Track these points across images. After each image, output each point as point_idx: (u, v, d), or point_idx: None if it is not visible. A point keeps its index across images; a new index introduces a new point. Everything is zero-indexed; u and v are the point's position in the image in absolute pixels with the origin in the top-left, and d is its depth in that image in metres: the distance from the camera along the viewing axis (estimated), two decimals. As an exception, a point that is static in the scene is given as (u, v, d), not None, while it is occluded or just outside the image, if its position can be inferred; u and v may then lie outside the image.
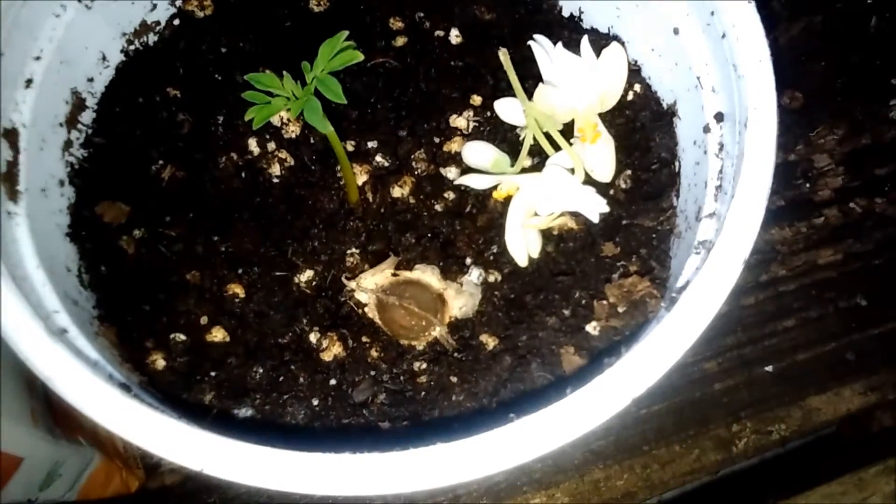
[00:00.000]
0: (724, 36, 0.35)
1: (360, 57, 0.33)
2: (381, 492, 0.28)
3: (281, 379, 0.38)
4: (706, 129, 0.37)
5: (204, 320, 0.39)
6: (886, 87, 0.73)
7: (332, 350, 0.39)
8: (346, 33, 0.34)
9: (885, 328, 0.65)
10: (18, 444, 0.42)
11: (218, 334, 0.39)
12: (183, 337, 0.38)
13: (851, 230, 0.70)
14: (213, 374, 0.38)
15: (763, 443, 0.60)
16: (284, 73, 0.34)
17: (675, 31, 0.39)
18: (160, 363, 0.37)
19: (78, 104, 0.40)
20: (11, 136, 0.35)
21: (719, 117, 0.37)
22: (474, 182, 0.41)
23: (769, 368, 0.66)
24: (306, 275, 0.41)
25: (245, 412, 0.37)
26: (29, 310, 0.30)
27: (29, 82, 0.37)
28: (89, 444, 0.51)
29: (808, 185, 0.73)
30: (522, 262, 0.41)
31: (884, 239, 0.68)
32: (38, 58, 0.37)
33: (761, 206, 0.31)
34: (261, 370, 0.38)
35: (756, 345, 0.68)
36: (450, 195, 0.43)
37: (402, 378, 0.39)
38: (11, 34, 0.35)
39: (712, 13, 0.35)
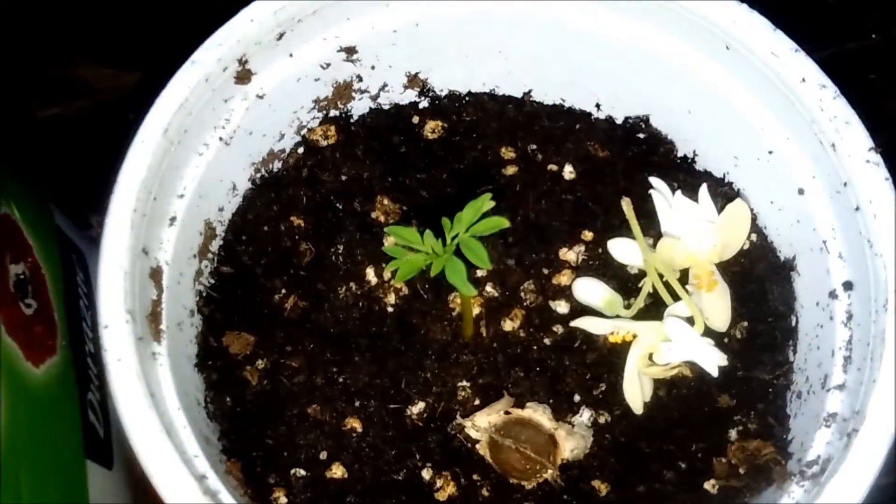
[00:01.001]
0: (857, 209, 0.35)
1: (506, 224, 0.34)
2: None
3: (398, 517, 0.38)
4: (833, 295, 0.37)
5: (323, 455, 0.40)
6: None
7: (447, 490, 0.40)
8: (489, 195, 0.35)
9: None
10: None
11: (337, 471, 0.39)
12: (303, 472, 0.39)
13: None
14: (333, 512, 0.38)
15: None
16: (427, 231, 0.35)
17: (800, 192, 0.39)
18: (283, 500, 0.38)
19: (210, 234, 0.41)
20: (156, 275, 0.37)
21: (848, 286, 0.37)
22: (591, 326, 0.42)
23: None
24: (418, 406, 0.42)
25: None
26: (179, 459, 0.31)
27: (172, 220, 0.38)
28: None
29: None
30: (638, 409, 0.41)
31: None
32: (181, 195, 0.39)
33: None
34: (379, 509, 0.38)
35: None
36: (559, 329, 0.44)
37: (512, 521, 0.40)
38: (163, 182, 0.36)
39: (845, 184, 0.36)
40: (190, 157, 0.39)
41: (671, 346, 0.40)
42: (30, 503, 0.33)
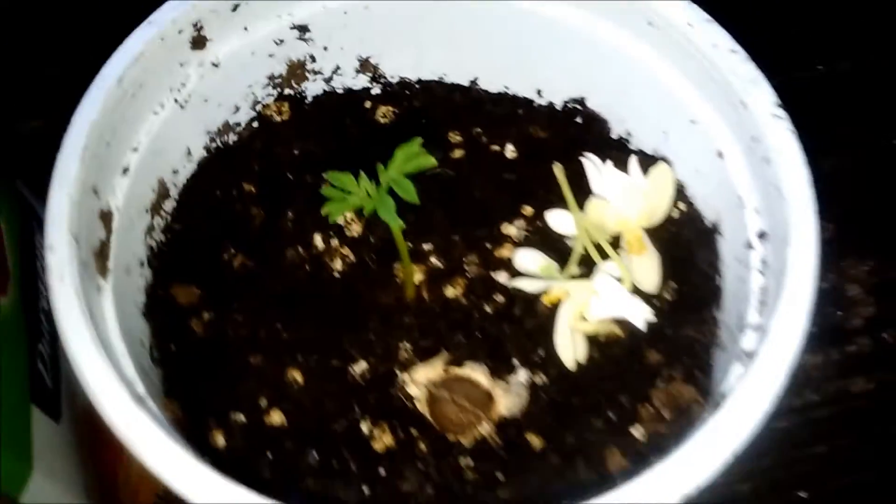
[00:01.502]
0: (767, 160, 0.38)
1: (434, 162, 0.37)
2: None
3: (334, 465, 0.39)
4: (749, 246, 0.39)
5: (263, 403, 0.41)
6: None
7: (384, 441, 0.41)
8: (420, 140, 0.37)
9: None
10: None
11: (276, 417, 0.40)
12: (243, 418, 0.40)
13: (884, 360, 0.71)
14: (269, 455, 0.39)
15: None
16: (361, 172, 0.37)
17: (720, 155, 0.42)
18: (220, 441, 0.39)
19: (162, 193, 0.43)
20: (106, 217, 0.39)
21: (762, 235, 0.39)
22: (527, 285, 0.43)
23: (803, 494, 0.66)
24: (360, 366, 0.43)
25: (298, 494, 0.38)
26: (115, 374, 0.32)
27: (125, 170, 0.40)
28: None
29: (839, 312, 0.74)
30: (570, 364, 0.42)
31: (918, 370, 0.68)
32: (135, 149, 0.41)
33: (805, 316, 0.33)
34: (315, 455, 0.39)
35: (789, 469, 0.68)
36: (500, 298, 0.45)
37: (449, 472, 0.40)
38: (118, 128, 0.38)
39: (755, 139, 0.38)
40: (145, 114, 0.41)
41: (601, 301, 0.42)
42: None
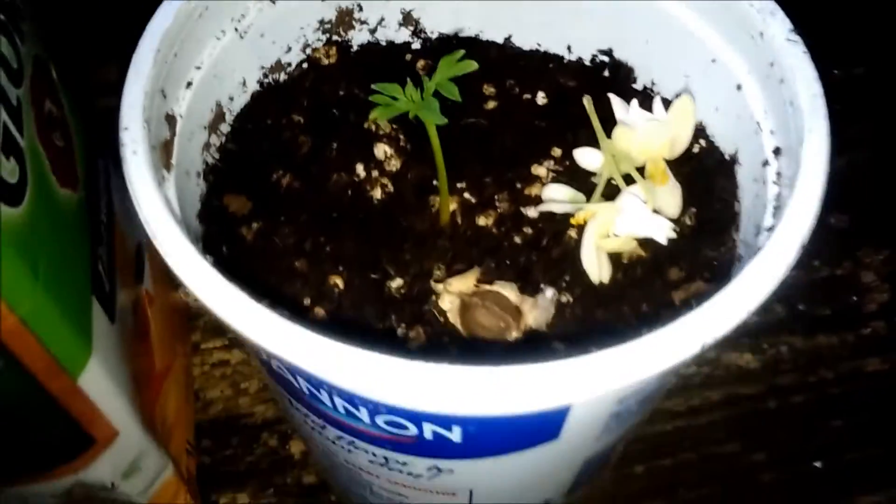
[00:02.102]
0: (782, 81, 0.41)
1: (475, 66, 0.40)
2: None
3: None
4: (765, 164, 0.42)
5: (307, 301, 0.43)
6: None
7: (419, 340, 0.43)
8: (462, 51, 0.41)
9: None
10: (119, 416, 0.46)
11: (319, 313, 0.43)
12: (287, 314, 0.43)
13: (899, 343, 0.72)
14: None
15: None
16: (408, 80, 0.41)
17: (738, 88, 0.45)
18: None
19: (219, 114, 0.47)
20: (171, 120, 0.42)
21: (777, 152, 0.42)
22: (555, 207, 0.46)
23: (818, 464, 0.68)
24: (396, 282, 0.46)
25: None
26: (183, 233, 0.35)
27: (189, 84, 0.44)
28: (165, 452, 0.53)
29: (854, 297, 0.77)
30: (596, 278, 0.45)
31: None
32: (198, 67, 0.44)
33: (817, 200, 0.35)
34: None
35: (805, 441, 0.70)
36: (528, 230, 0.48)
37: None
38: (185, 43, 0.42)
39: (772, 64, 0.42)
40: (209, 37, 0.45)
41: (624, 219, 0.44)
42: (44, 281, 0.36)
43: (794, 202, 0.35)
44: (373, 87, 0.42)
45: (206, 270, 0.34)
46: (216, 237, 0.44)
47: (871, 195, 0.79)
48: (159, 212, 0.35)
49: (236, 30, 0.47)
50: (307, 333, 0.33)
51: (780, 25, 0.42)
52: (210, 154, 0.46)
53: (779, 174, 0.41)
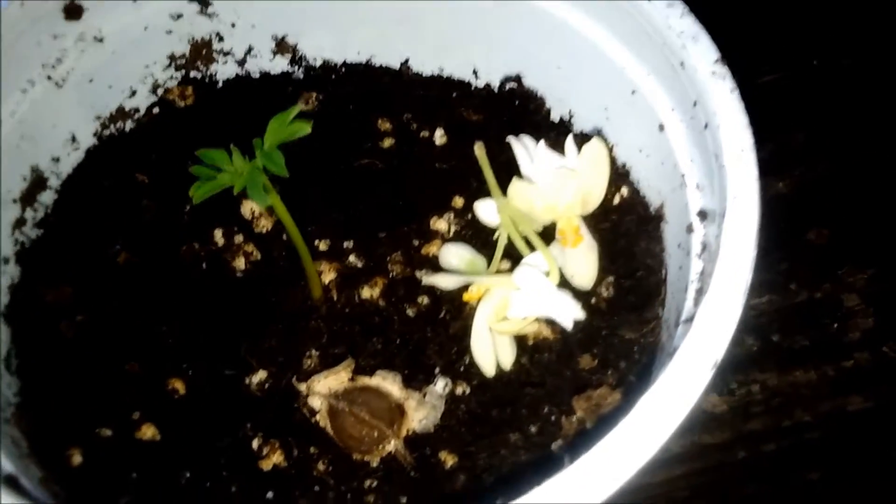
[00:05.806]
0: (706, 126, 0.32)
1: (308, 129, 0.31)
2: None
3: (209, 485, 0.34)
4: (689, 230, 0.34)
5: (136, 415, 0.36)
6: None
7: (272, 459, 0.35)
8: (299, 107, 0.32)
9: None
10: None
11: (148, 432, 0.35)
12: (109, 432, 0.35)
13: (884, 376, 0.64)
14: (134, 475, 0.34)
15: None
16: (233, 147, 0.32)
17: (661, 128, 0.37)
18: (77, 459, 0.34)
19: (37, 182, 0.39)
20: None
21: (702, 215, 0.34)
22: (441, 281, 0.38)
23: (794, 526, 0.60)
24: (259, 375, 0.38)
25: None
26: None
27: (-18, 153, 0.36)
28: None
29: (835, 325, 0.68)
30: (489, 370, 0.37)
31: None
32: (-6, 130, 0.36)
33: (737, 303, 0.27)
34: (188, 475, 0.34)
35: (775, 498, 0.62)
36: (424, 300, 0.40)
37: (347, 496, 0.35)
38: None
39: (695, 103, 0.33)
40: (10, 91, 0.37)
41: (522, 298, 0.36)
42: None
43: (707, 307, 0.27)
44: (196, 153, 0.34)
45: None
46: (27, 340, 0.36)
47: (853, 207, 0.70)
48: None
49: (50, 77, 0.38)
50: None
51: (702, 54, 0.33)
52: (24, 233, 0.38)
53: (704, 246, 0.33)
